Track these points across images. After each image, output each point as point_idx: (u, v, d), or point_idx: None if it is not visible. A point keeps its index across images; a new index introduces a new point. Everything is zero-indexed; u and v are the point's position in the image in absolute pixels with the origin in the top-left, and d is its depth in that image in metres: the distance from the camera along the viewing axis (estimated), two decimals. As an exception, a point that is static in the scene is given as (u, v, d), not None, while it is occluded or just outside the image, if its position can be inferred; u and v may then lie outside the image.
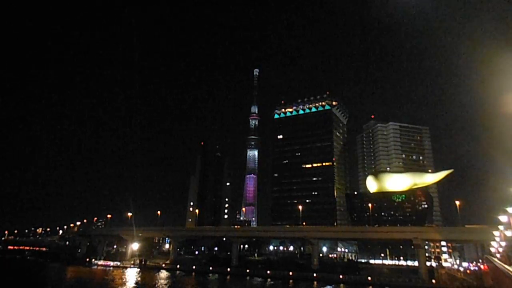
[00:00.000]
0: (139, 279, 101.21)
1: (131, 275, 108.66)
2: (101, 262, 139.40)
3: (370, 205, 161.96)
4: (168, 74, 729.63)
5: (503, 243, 57.27)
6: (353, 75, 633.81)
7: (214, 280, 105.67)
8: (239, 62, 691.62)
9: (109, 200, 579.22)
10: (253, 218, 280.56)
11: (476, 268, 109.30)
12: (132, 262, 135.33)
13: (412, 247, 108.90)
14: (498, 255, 64.65)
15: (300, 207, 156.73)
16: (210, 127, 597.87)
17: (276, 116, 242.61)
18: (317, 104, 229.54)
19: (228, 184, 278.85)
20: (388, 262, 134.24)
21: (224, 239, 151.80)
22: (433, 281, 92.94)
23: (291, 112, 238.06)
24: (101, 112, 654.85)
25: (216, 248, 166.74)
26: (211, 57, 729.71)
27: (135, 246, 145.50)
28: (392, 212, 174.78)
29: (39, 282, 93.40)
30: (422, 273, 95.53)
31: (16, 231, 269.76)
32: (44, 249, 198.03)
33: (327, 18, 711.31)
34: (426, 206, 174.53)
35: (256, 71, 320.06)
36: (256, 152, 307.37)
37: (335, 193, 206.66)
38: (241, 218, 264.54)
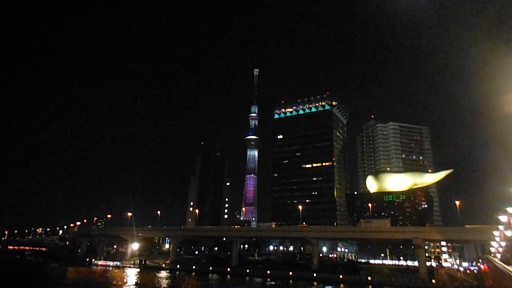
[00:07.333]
0: (139, 279, 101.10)
1: (131, 275, 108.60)
2: (101, 262, 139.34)
3: (370, 205, 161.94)
4: (168, 74, 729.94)
5: (503, 243, 57.32)
6: (353, 75, 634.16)
7: (214, 280, 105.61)
8: (239, 62, 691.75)
9: (109, 200, 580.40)
10: (253, 218, 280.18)
11: (476, 268, 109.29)
12: (132, 262, 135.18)
13: (412, 247, 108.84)
14: (498, 255, 64.69)
15: (300, 207, 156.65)
16: (210, 127, 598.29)
17: (276, 116, 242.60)
18: (317, 104, 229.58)
19: (228, 184, 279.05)
20: (388, 262, 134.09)
21: (224, 239, 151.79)
22: (433, 281, 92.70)
23: (291, 112, 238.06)
24: (101, 112, 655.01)
25: (216, 248, 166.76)
26: (211, 57, 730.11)
27: (135, 246, 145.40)
28: (392, 212, 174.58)
29: (39, 282, 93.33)
30: (422, 273, 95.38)
31: (16, 231, 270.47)
32: (44, 249, 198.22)
33: (328, 18, 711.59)
34: (426, 206, 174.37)
35: (256, 71, 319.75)
36: (256, 152, 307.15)
37: (335, 193, 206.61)
38: (241, 218, 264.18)
